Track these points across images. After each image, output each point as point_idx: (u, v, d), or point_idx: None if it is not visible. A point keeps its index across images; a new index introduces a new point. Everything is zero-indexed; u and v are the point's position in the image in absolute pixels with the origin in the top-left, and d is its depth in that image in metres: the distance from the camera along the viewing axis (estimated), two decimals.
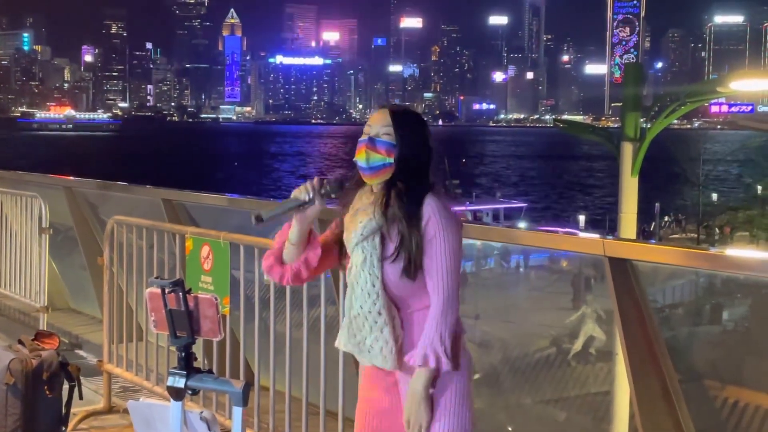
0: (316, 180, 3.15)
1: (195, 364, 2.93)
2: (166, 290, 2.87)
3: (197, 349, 2.96)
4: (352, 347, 3.17)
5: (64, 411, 5.09)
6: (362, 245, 3.09)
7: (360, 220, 3.11)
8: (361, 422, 3.22)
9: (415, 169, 3.11)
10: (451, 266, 3.03)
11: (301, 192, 3.13)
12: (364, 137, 3.16)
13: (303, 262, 3.23)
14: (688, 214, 52.46)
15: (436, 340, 2.99)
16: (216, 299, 2.90)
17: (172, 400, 2.82)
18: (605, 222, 53.51)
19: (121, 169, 62.62)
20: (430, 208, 3.03)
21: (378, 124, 3.15)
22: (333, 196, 3.18)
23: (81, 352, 8.56)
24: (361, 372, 3.27)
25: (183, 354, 2.86)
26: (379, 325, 3.07)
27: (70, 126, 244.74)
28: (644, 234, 47.99)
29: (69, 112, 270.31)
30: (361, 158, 3.12)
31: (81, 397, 5.14)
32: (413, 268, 3.03)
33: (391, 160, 3.10)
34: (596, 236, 4.57)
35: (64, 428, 5.08)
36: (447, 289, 3.02)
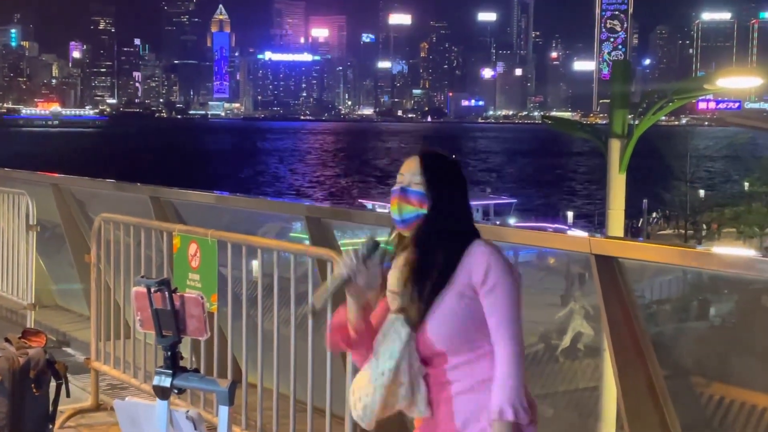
0: (350, 252, 2.94)
1: (181, 363, 2.93)
2: (152, 289, 2.86)
3: (185, 346, 2.97)
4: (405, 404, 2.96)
5: (51, 409, 5.08)
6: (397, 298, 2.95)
7: (397, 273, 2.98)
8: None
9: (446, 215, 2.97)
10: (516, 315, 2.89)
11: (341, 268, 2.92)
12: (396, 187, 3.03)
13: (358, 331, 3.03)
14: (675, 210, 52.61)
15: (513, 393, 2.82)
16: (202, 298, 2.90)
17: (158, 399, 2.82)
18: (594, 218, 53.68)
19: (108, 166, 62.41)
20: (486, 255, 2.88)
21: (409, 172, 3.01)
22: (376, 258, 2.95)
23: (68, 350, 8.54)
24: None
25: (169, 353, 2.86)
26: (379, 384, 2.91)
27: (57, 122, 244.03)
28: (632, 230, 48.11)
29: (55, 108, 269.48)
30: (393, 210, 3.00)
31: (68, 395, 5.12)
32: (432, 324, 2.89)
33: (424, 210, 2.96)
34: (583, 234, 4.59)
35: (51, 426, 5.07)
36: (516, 338, 2.87)
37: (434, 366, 2.94)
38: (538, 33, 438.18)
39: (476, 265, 2.87)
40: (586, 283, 5.99)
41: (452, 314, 2.88)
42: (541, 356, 6.38)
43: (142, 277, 2.91)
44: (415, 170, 3.00)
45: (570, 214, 55.99)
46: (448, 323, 2.88)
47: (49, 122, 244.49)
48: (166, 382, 2.81)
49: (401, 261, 3.00)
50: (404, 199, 2.98)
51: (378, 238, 3.00)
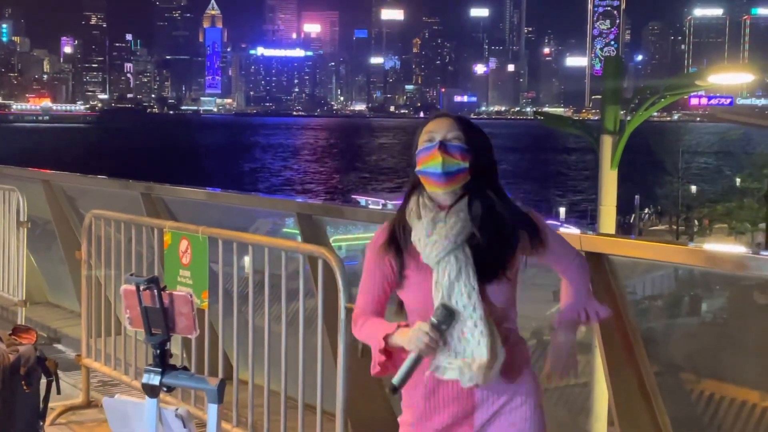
0: (430, 329, 2.76)
1: (172, 360, 2.92)
2: (141, 287, 2.86)
3: (176, 343, 2.96)
4: (457, 372, 2.82)
5: (41, 406, 5.06)
6: (455, 254, 2.81)
7: (446, 233, 2.83)
8: None
9: (490, 175, 2.93)
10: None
11: (425, 348, 2.75)
12: (428, 144, 2.88)
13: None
14: (667, 206, 52.74)
15: (589, 297, 3.12)
16: (191, 296, 2.89)
17: (147, 397, 2.81)
18: (588, 214, 53.73)
19: (99, 162, 62.20)
20: (534, 217, 2.97)
21: (443, 129, 2.89)
22: (446, 325, 2.79)
23: (59, 346, 8.53)
24: (427, 400, 2.95)
25: (158, 351, 2.86)
26: (476, 338, 2.79)
27: (47, 117, 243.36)
28: (624, 226, 48.22)
29: (45, 103, 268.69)
30: (434, 163, 2.83)
31: (59, 392, 5.11)
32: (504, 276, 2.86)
33: (467, 164, 2.85)
34: (574, 231, 4.60)
35: (41, 423, 5.06)
36: (576, 253, 3.14)
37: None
38: (530, 29, 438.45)
39: (529, 223, 2.94)
40: None
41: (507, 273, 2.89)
42: (533, 352, 6.38)
43: (131, 275, 2.90)
44: (449, 127, 2.90)
45: (562, 210, 56.06)
46: (505, 281, 2.89)
47: (40, 118, 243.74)
48: (155, 380, 2.80)
49: (428, 215, 2.87)
50: (446, 152, 2.85)
51: (447, 305, 2.81)
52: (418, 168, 2.89)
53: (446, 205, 2.89)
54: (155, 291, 2.85)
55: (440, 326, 2.76)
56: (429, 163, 2.86)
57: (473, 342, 2.78)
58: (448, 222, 2.84)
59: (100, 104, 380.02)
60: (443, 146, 2.85)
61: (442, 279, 2.81)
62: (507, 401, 2.93)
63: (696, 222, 50.06)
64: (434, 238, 2.83)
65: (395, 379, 2.77)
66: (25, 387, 4.98)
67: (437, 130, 2.90)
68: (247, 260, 5.35)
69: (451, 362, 2.81)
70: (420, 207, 2.90)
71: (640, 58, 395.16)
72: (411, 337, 2.77)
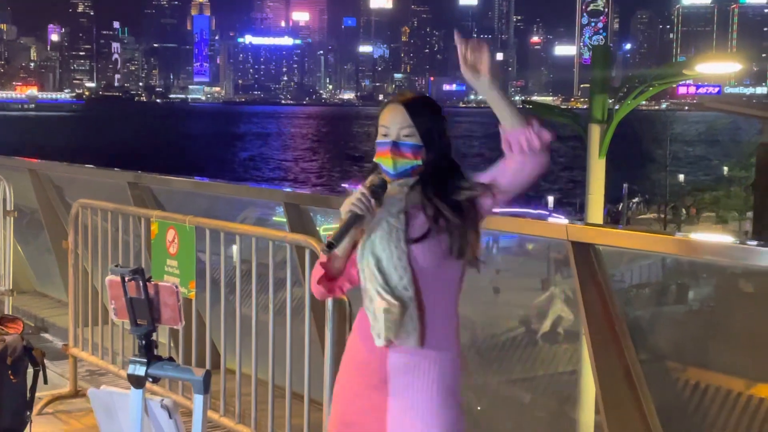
0: (365, 190, 2.93)
1: (159, 349, 2.92)
2: (126, 278, 2.85)
3: (163, 332, 2.97)
4: (382, 327, 2.92)
5: (28, 395, 5.05)
6: (387, 220, 2.93)
7: (389, 206, 2.95)
8: (341, 412, 3.07)
9: (443, 163, 2.98)
10: None
11: (356, 207, 2.90)
12: (384, 140, 2.98)
13: (348, 278, 3.09)
14: (655, 195, 52.85)
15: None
16: (176, 287, 2.88)
17: (132, 388, 2.81)
18: (576, 203, 53.80)
19: (85, 151, 61.85)
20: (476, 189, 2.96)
21: (396, 124, 2.96)
22: (381, 197, 2.97)
23: (47, 336, 8.51)
24: (349, 363, 3.09)
25: (143, 342, 2.85)
26: (406, 298, 2.90)
27: (32, 106, 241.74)
28: (612, 215, 48.31)
29: (31, 92, 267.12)
30: (387, 164, 2.97)
31: (45, 382, 5.10)
32: (455, 251, 2.91)
33: (419, 161, 2.95)
34: (561, 220, 4.61)
35: (28, 413, 5.05)
36: None
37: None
38: (519, 17, 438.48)
39: (468, 205, 2.94)
40: (566, 267, 6.01)
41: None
42: (520, 340, 6.40)
43: (116, 266, 2.89)
44: (402, 121, 2.97)
45: (551, 199, 56.08)
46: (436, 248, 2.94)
47: (25, 106, 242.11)
48: (141, 371, 2.80)
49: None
50: (398, 153, 2.95)
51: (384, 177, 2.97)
52: (375, 158, 3.01)
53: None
54: (140, 282, 2.85)
55: (375, 190, 2.93)
56: (383, 160, 2.98)
57: (404, 299, 2.88)
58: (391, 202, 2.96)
59: (87, 92, 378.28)
60: (395, 147, 2.95)
61: (371, 242, 2.93)
62: (414, 377, 2.95)
63: (683, 211, 50.22)
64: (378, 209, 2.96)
65: (332, 237, 2.91)
66: (11, 377, 4.97)
67: (391, 124, 2.98)
68: (234, 250, 5.35)
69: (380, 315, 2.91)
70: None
71: (628, 46, 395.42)
72: (348, 200, 2.93)
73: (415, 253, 2.91)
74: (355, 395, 3.04)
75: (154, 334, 2.88)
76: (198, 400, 2.77)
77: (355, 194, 2.93)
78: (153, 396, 2.90)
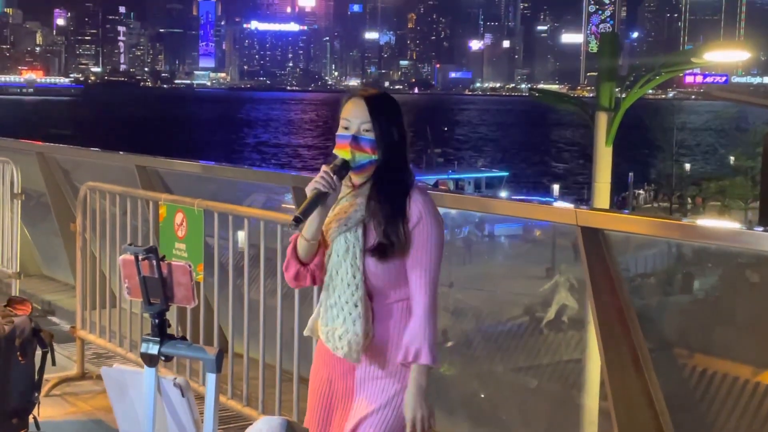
0: (328, 168, 3.07)
1: (168, 331, 2.93)
2: (140, 257, 2.86)
3: (171, 317, 2.97)
4: (323, 336, 3.16)
5: (36, 377, 5.07)
6: (345, 236, 3.08)
7: (345, 210, 3.11)
8: (316, 401, 3.22)
9: (397, 160, 3.11)
10: (437, 265, 3.09)
11: (320, 183, 3.04)
12: (344, 133, 3.11)
13: (319, 266, 3.19)
14: (661, 184, 52.77)
15: (426, 337, 3.02)
16: (190, 266, 2.89)
17: (145, 366, 2.82)
18: (584, 191, 53.73)
19: (83, 138, 61.53)
20: (420, 205, 3.06)
21: (357, 119, 3.10)
22: (344, 176, 3.13)
23: (54, 319, 8.53)
24: (318, 351, 3.27)
25: (157, 321, 2.86)
26: (353, 317, 3.07)
27: (31, 90, 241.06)
28: (618, 204, 48.27)
29: (30, 76, 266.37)
30: (346, 157, 3.10)
31: (54, 363, 5.12)
32: (394, 258, 3.05)
33: (376, 156, 3.09)
34: (569, 206, 4.61)
35: (36, 394, 5.07)
36: (433, 287, 3.07)
37: (377, 302, 3.12)
38: (526, 5, 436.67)
39: (410, 213, 3.06)
40: (571, 255, 6.01)
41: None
42: (525, 329, 6.41)
43: (130, 244, 2.90)
44: (362, 116, 3.10)
45: (556, 188, 56.00)
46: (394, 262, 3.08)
47: (24, 90, 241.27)
48: (154, 349, 2.81)
49: (341, 193, 3.14)
50: (357, 147, 3.09)
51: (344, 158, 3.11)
52: (335, 150, 3.13)
53: (358, 184, 3.15)
54: (154, 261, 2.85)
55: (337, 170, 3.06)
56: (342, 153, 3.10)
57: (349, 320, 3.06)
58: (345, 204, 3.12)
59: (93, 77, 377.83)
60: (355, 140, 3.08)
61: (332, 257, 3.11)
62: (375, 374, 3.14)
63: (689, 200, 50.16)
64: (333, 215, 3.11)
65: (298, 211, 3.04)
66: (20, 358, 4.99)
67: (352, 118, 3.11)
68: (241, 234, 5.36)
69: (323, 328, 3.14)
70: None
71: (635, 35, 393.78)
72: (314, 179, 3.06)
73: (369, 264, 3.06)
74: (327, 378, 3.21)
75: (168, 315, 2.89)
76: (210, 378, 2.78)
77: (322, 170, 3.07)
78: (165, 375, 2.91)
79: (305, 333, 3.26)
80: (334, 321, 3.10)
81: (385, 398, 3.10)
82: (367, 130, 3.09)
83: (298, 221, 3.02)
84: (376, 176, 3.10)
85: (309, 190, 3.05)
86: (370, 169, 3.11)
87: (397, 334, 3.09)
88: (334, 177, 3.04)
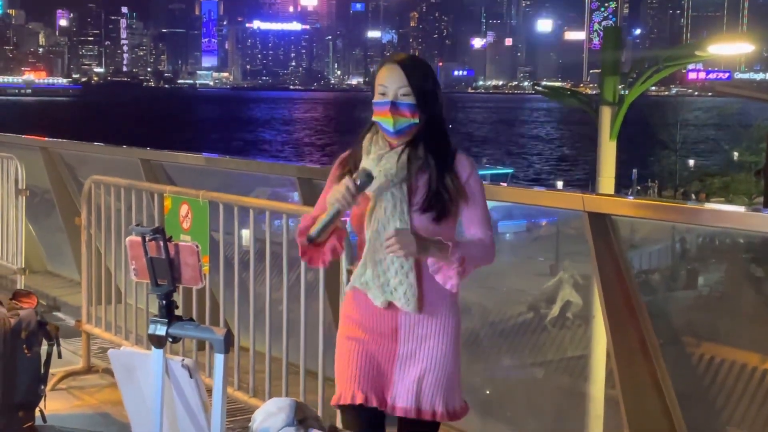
0: (349, 183, 3.06)
1: (176, 313, 2.91)
2: (147, 238, 2.85)
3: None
4: (375, 287, 3.16)
5: (42, 370, 5.06)
6: (392, 192, 3.10)
7: (389, 167, 3.10)
8: (356, 355, 3.21)
9: (437, 120, 3.15)
10: (489, 218, 3.21)
11: (340, 201, 3.05)
12: (381, 99, 3.13)
13: (331, 250, 3.22)
14: (665, 179, 52.74)
15: (472, 256, 3.08)
16: (197, 247, 2.88)
17: (153, 348, 2.81)
18: (587, 187, 53.67)
19: (79, 138, 61.29)
20: (467, 164, 3.15)
21: (394, 84, 3.12)
22: (366, 188, 3.11)
23: (59, 314, 8.52)
24: (362, 313, 3.23)
25: (164, 302, 2.85)
26: (405, 269, 3.10)
27: (29, 91, 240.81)
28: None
29: (28, 76, 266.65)
30: (386, 122, 3.12)
31: (60, 356, 5.12)
32: (444, 216, 3.11)
33: (417, 120, 3.12)
34: (576, 191, 4.59)
35: (42, 387, 5.06)
36: (491, 235, 3.17)
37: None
38: (528, 2, 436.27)
39: (459, 172, 3.13)
40: (575, 252, 6.01)
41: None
42: (529, 325, 6.40)
43: (137, 225, 2.89)
44: (399, 81, 3.12)
45: (560, 184, 56.05)
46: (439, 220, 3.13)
47: (22, 91, 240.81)
48: (162, 330, 2.80)
49: (380, 150, 3.15)
50: (397, 113, 3.10)
51: (367, 170, 3.09)
52: (374, 117, 3.16)
53: (395, 145, 3.17)
54: (161, 241, 2.84)
55: (360, 186, 3.05)
56: (382, 119, 3.13)
57: (401, 272, 3.10)
58: (389, 161, 3.11)
59: (96, 78, 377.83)
60: (394, 106, 3.10)
61: (378, 212, 3.11)
62: (425, 334, 3.17)
63: (693, 195, 50.10)
64: (377, 173, 3.09)
65: (312, 230, 3.09)
66: (26, 351, 4.98)
67: (389, 84, 3.13)
68: (246, 232, 5.34)
69: (372, 282, 3.15)
70: (372, 143, 3.19)
71: (638, 32, 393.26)
72: (333, 192, 3.08)
73: (416, 220, 3.09)
74: (365, 337, 3.22)
75: (175, 294, 2.87)
76: (219, 359, 2.77)
77: (341, 187, 3.06)
78: (173, 357, 2.89)
79: (352, 283, 3.24)
80: (386, 274, 3.12)
81: (434, 344, 3.14)
82: (404, 95, 3.11)
83: (311, 241, 3.09)
84: (419, 137, 3.13)
85: (329, 204, 3.08)
86: (410, 133, 3.13)
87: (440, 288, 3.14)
88: (356, 196, 3.05)
